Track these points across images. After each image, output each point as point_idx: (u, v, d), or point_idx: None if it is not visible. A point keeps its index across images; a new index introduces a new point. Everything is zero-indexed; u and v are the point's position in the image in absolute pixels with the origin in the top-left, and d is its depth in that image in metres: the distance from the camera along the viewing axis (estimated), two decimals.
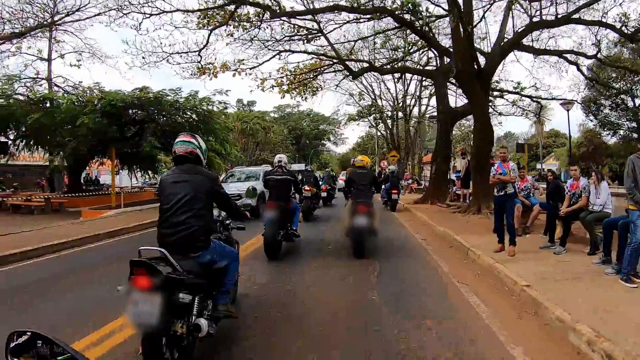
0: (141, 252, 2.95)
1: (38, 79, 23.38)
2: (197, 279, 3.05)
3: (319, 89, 23.34)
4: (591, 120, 37.05)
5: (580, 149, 35.25)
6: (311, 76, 20.76)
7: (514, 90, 20.50)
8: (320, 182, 16.36)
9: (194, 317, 3.03)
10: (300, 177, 11.70)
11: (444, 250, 8.01)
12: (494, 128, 15.05)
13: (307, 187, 12.54)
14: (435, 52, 19.25)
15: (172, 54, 15.27)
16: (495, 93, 20.88)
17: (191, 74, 17.15)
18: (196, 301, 3.07)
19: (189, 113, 18.46)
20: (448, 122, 17.55)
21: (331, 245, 8.56)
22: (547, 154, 61.73)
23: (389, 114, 32.93)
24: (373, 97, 33.77)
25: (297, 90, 21.35)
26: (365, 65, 19.63)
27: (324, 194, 17.09)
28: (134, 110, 16.88)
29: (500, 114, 25.43)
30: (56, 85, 23.84)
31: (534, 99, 21.08)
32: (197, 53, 15.52)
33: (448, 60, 18.73)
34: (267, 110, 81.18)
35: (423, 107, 31.66)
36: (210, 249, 3.27)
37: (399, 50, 20.93)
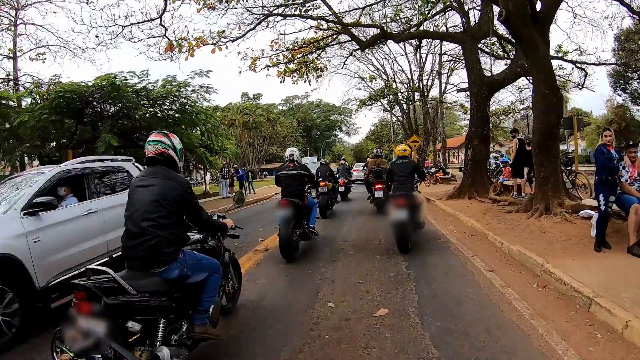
0: (88, 271, 2.59)
1: (6, 80, 20.64)
2: (155, 300, 2.66)
3: (324, 70, 19.91)
4: (619, 95, 34.89)
5: (610, 127, 31.48)
6: (312, 50, 17.26)
7: (555, 56, 16.75)
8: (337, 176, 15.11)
9: (158, 343, 2.68)
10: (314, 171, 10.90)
11: (537, 299, 4.45)
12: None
13: (322, 182, 11.87)
14: (460, 13, 15.64)
15: (128, 26, 11.98)
16: None
17: (161, 54, 13.93)
18: (161, 325, 2.73)
19: (168, 103, 15.21)
20: (484, 94, 13.89)
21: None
22: (569, 135, 58.54)
23: (405, 95, 29.21)
24: (386, 78, 30.15)
25: (298, 72, 18.04)
26: (377, 32, 15.98)
27: (342, 188, 15.83)
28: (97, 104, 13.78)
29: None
30: (21, 85, 20.83)
31: (578, 64, 17.32)
32: (158, 23, 12.18)
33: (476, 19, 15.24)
34: (275, 102, 79.16)
35: (443, 85, 27.87)
36: (179, 262, 2.88)
37: (415, 13, 17.35)
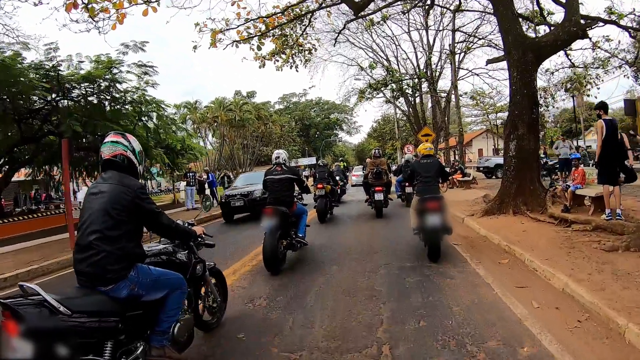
0: (21, 288, 2.36)
1: None
2: (93, 321, 2.40)
3: (312, 51, 15.63)
4: None
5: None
6: (291, 19, 13.05)
7: (608, 19, 12.50)
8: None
9: None
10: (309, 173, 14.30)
11: None
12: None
13: (319, 185, 11.51)
14: None
15: None
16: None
17: (78, 21, 9.70)
18: (108, 348, 2.49)
19: (94, 88, 11.13)
20: (528, 62, 9.57)
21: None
22: (585, 129, 56.76)
23: (410, 83, 24.92)
24: (387, 63, 25.86)
25: (281, 56, 13.88)
26: None
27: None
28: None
29: (573, 65, 17.40)
30: None
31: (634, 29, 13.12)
32: None
33: None
34: (270, 100, 75.40)
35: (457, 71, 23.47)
36: (128, 280, 2.64)
37: None
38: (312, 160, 58.26)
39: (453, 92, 21.93)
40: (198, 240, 3.51)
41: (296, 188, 6.89)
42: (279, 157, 6.76)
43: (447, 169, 19.28)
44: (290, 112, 71.51)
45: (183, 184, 20.64)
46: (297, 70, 18.99)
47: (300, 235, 6.82)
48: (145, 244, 3.07)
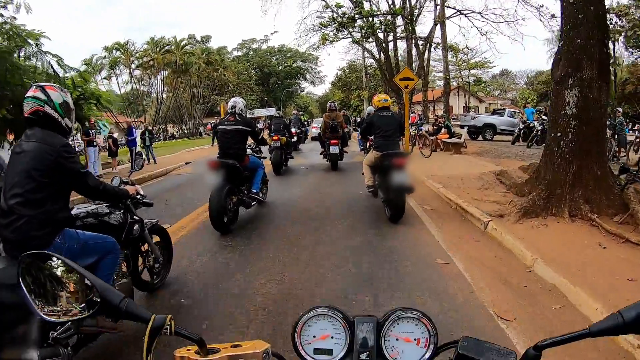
0: None
1: None
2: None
3: None
4: (631, 53, 30.65)
5: (625, 88, 28.75)
6: None
7: None
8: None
9: (29, 344, 2.24)
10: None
11: None
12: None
13: (275, 137, 11.24)
14: None
15: None
16: None
17: None
18: (34, 324, 2.23)
19: None
20: None
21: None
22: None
23: (382, 20, 20.58)
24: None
25: None
26: None
27: (294, 139, 14.37)
28: None
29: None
30: None
31: None
32: None
33: None
34: (227, 46, 68.75)
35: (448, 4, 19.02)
36: (54, 247, 2.47)
37: None
38: (272, 111, 53.18)
39: (439, 30, 17.84)
40: (133, 200, 3.29)
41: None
42: (235, 106, 6.21)
43: (429, 126, 15.73)
44: (249, 59, 65.47)
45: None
46: None
47: (255, 191, 6.40)
48: (79, 205, 3.04)
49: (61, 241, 2.52)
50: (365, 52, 27.41)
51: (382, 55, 24.45)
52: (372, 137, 6.61)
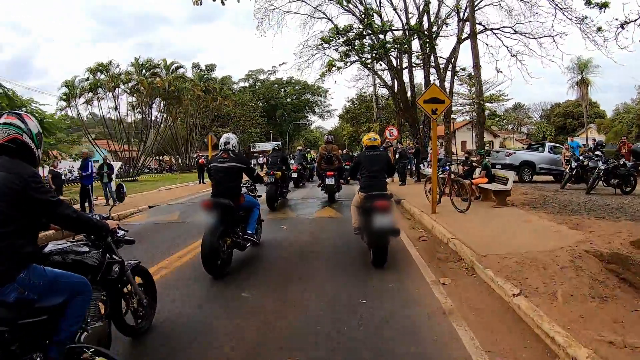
0: None
1: None
2: None
3: None
4: None
5: None
6: None
7: None
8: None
9: None
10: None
11: None
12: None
13: (270, 172, 11.41)
14: None
15: None
16: None
17: None
18: None
19: None
20: None
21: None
22: (579, 125, 54.91)
23: (396, 38, 17.53)
24: (362, 10, 18.27)
25: None
26: None
27: (294, 175, 15.21)
28: None
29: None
30: None
31: None
32: None
33: None
34: (231, 75, 66.95)
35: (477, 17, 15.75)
36: (18, 283, 2.32)
37: None
38: (279, 145, 49.98)
39: (461, 51, 14.68)
40: (113, 236, 3.16)
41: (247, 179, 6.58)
42: (228, 143, 5.98)
43: (457, 166, 12.28)
44: (255, 90, 63.24)
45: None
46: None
47: (250, 232, 6.11)
48: (54, 242, 2.91)
49: (26, 277, 2.34)
50: (377, 79, 24.24)
51: (395, 82, 21.35)
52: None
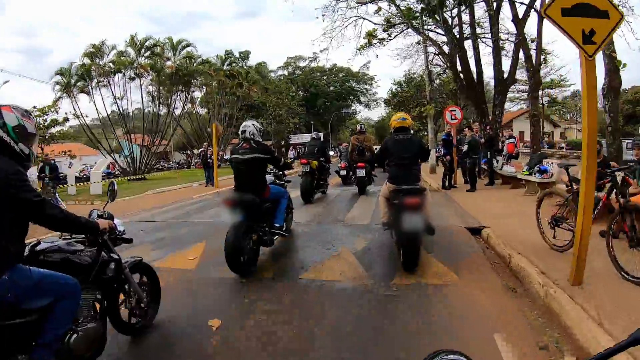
0: None
1: None
2: None
3: None
4: None
5: None
6: None
7: None
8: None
9: None
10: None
11: None
12: None
13: (302, 160, 10.81)
14: None
15: None
16: None
17: None
18: None
19: None
20: None
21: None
22: None
23: None
24: None
25: None
26: None
27: (343, 172, 13.67)
28: None
29: None
30: None
31: None
32: None
33: None
34: (265, 61, 62.78)
35: None
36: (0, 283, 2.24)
37: None
38: (321, 136, 45.37)
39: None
40: (105, 235, 2.96)
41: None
42: (245, 131, 5.51)
43: (553, 164, 6.87)
44: (293, 78, 58.85)
45: None
46: None
47: (277, 225, 5.70)
48: (47, 239, 2.91)
49: (7, 278, 2.24)
50: (429, 51, 18.79)
51: (454, 43, 15.93)
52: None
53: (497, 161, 12.44)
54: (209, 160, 16.73)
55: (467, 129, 13.20)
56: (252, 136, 5.43)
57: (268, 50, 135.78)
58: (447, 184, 12.16)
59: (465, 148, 11.60)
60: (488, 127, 13.11)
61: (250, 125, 5.54)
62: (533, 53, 14.45)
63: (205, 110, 37.25)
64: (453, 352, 0.98)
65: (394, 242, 5.31)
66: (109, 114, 28.78)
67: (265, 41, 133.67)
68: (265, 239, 5.38)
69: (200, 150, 18.26)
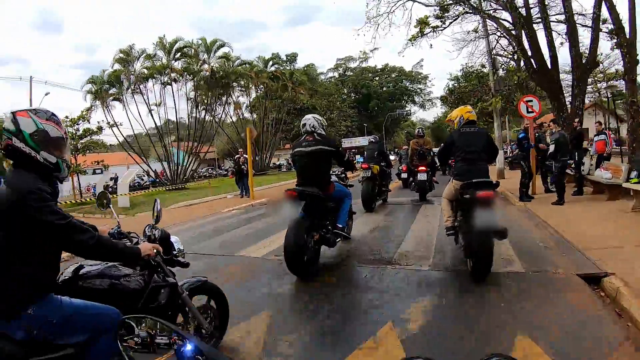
0: None
1: None
2: None
3: None
4: None
5: None
6: None
7: None
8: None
9: None
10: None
11: None
12: None
13: (363, 164, 10.01)
14: None
15: None
16: None
17: None
18: None
19: None
20: None
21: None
22: None
23: None
24: None
25: None
26: None
27: (404, 175, 13.37)
28: None
29: None
30: None
31: None
32: None
33: None
34: (314, 63, 61.81)
35: None
36: (24, 320, 1.89)
37: None
38: (376, 137, 43.13)
39: None
40: (150, 261, 2.46)
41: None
42: (305, 124, 5.25)
43: None
44: (344, 79, 57.16)
45: None
46: None
47: (340, 226, 5.27)
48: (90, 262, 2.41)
49: (35, 312, 1.88)
50: (491, 34, 16.32)
51: (522, 24, 13.44)
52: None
53: (584, 163, 9.90)
54: (242, 167, 15.21)
55: (551, 122, 10.69)
56: (312, 129, 5.16)
57: (320, 56, 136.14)
58: (525, 194, 9.65)
59: (552, 148, 9.11)
60: (577, 121, 10.55)
61: (310, 118, 5.28)
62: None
63: (255, 115, 36.37)
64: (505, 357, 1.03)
65: (461, 249, 4.78)
66: (161, 124, 28.50)
67: (317, 46, 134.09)
68: (328, 238, 5.08)
69: (236, 156, 16.79)
